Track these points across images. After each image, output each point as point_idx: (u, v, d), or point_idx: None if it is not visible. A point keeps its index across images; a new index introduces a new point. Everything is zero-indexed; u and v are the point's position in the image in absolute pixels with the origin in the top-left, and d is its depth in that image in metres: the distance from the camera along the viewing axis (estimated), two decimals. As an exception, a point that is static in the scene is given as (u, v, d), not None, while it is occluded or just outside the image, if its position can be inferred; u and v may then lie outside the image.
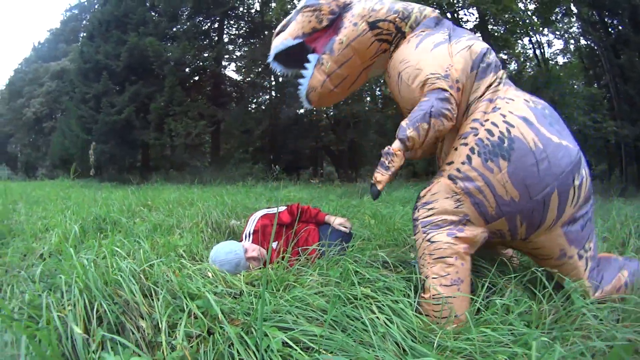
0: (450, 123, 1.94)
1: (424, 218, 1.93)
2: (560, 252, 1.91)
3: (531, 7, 20.02)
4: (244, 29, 21.96)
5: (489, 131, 1.86)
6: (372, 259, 2.33)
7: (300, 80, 2.30)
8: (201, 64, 19.10)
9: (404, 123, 1.96)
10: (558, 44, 26.44)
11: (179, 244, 2.74)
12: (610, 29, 17.45)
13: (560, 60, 25.72)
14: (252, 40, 21.70)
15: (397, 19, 2.21)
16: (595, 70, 23.04)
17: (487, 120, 1.89)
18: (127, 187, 11.02)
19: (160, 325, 1.50)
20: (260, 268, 2.41)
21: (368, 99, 20.52)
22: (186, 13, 19.90)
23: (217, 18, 20.19)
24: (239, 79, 22.83)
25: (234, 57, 21.97)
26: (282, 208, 2.89)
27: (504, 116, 1.86)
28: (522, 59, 24.55)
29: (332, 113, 20.36)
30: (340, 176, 20.34)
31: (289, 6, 21.23)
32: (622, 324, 1.74)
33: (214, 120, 18.16)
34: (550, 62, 24.49)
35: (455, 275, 1.83)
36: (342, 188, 11.46)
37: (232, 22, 21.45)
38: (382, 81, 14.83)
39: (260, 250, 2.48)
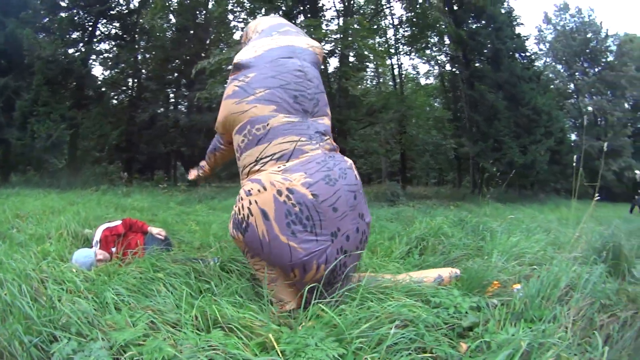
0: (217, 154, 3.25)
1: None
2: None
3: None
4: (115, 27, 21.27)
5: (239, 210, 2.41)
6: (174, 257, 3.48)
7: None
8: (68, 61, 17.98)
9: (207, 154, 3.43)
10: (423, 67, 29.33)
11: (51, 250, 3.71)
12: (472, 63, 19.99)
13: (423, 81, 28.71)
14: (121, 42, 21.20)
15: None
16: (454, 93, 26.12)
17: (241, 199, 2.41)
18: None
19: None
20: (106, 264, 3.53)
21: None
22: (63, 2, 18.84)
23: (92, 15, 19.35)
24: (101, 78, 22.26)
25: (102, 57, 21.33)
26: (119, 222, 4.08)
27: (250, 203, 2.35)
28: (380, 79, 26.84)
29: (183, 120, 20.84)
30: (186, 171, 21.30)
31: (162, 13, 20.74)
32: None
33: (74, 122, 17.56)
34: (413, 82, 27.07)
35: (270, 277, 2.47)
36: (185, 194, 12.61)
37: (105, 20, 20.57)
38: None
39: (104, 254, 3.70)
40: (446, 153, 17.95)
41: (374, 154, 25.48)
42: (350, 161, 2.68)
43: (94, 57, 20.53)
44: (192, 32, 22.01)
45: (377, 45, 20.09)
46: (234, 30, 23.65)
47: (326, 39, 13.88)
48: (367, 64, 18.71)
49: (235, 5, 19.16)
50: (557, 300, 2.41)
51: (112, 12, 20.19)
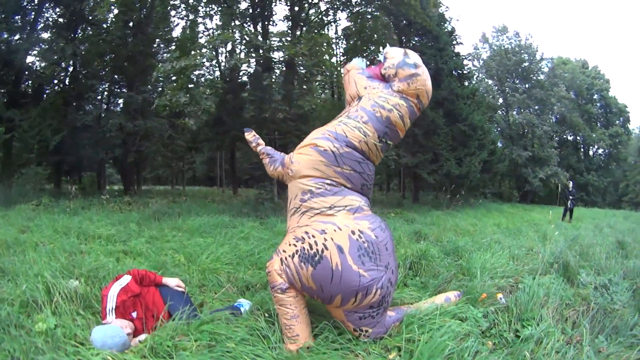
0: (270, 172, 3.68)
1: (269, 282, 3.15)
2: (341, 320, 3.15)
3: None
4: (59, 14, 19.24)
5: (310, 245, 3.01)
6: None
7: None
8: (9, 51, 16.32)
9: (269, 149, 3.79)
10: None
11: (53, 326, 3.16)
12: None
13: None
14: (63, 31, 18.95)
15: None
16: None
17: (313, 236, 3.03)
18: None
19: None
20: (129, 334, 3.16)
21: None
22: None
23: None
24: (40, 71, 19.64)
25: (42, 48, 18.80)
26: (128, 278, 3.51)
27: (326, 240, 2.98)
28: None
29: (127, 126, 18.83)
30: (125, 181, 21.50)
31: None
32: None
33: (12, 125, 15.98)
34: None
35: (293, 313, 3.05)
36: (135, 209, 12.18)
37: (50, 4, 18.53)
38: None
39: (129, 324, 3.23)
40: (387, 163, 19.40)
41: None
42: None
43: (36, 47, 18.45)
44: (130, 24, 20.00)
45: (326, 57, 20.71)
46: (173, 27, 22.98)
47: (291, 53, 13.84)
48: (318, 76, 19.17)
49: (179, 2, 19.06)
50: (540, 304, 3.60)
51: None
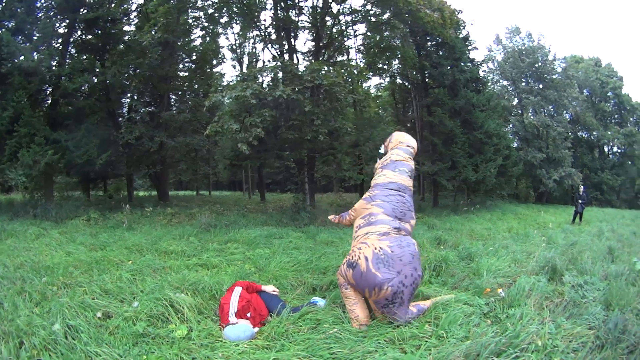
0: (348, 223, 5.40)
1: (338, 283, 4.73)
2: (374, 309, 4.53)
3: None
4: (94, 37, 19.12)
5: (352, 257, 4.52)
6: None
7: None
8: (51, 75, 16.75)
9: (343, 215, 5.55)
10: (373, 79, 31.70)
11: (199, 332, 4.22)
12: (432, 90, 22.61)
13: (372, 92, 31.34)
14: (101, 53, 19.41)
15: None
16: (404, 105, 29.53)
17: (354, 251, 4.56)
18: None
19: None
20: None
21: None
22: (44, 3, 17.28)
23: (69, 21, 17.90)
24: (72, 89, 17.80)
25: (79, 68, 17.61)
26: (240, 289, 4.84)
27: (360, 252, 4.47)
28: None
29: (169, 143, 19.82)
30: (159, 191, 22.95)
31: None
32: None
33: (59, 146, 15.73)
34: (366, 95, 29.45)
35: (354, 301, 4.51)
36: (184, 222, 13.32)
37: (82, 27, 18.81)
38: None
39: (248, 322, 4.45)
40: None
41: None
42: (414, 240, 4.99)
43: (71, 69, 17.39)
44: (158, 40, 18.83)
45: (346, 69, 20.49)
46: (194, 40, 23.43)
47: (320, 81, 14.06)
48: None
49: (196, 11, 19.66)
50: (525, 296, 5.12)
51: (91, 18, 17.84)
